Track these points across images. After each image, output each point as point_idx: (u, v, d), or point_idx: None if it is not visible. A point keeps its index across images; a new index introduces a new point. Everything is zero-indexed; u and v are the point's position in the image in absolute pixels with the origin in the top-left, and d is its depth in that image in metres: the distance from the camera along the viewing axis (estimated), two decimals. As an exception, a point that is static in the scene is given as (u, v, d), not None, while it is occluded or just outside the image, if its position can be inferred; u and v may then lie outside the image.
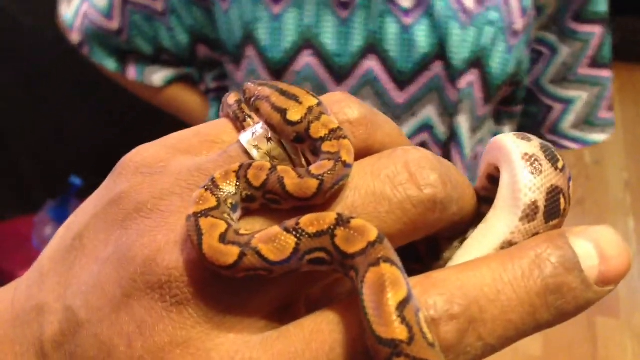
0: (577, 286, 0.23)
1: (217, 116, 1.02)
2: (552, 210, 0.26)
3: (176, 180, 0.26)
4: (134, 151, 0.29)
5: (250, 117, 0.29)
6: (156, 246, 0.24)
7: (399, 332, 0.20)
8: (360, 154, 0.27)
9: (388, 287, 0.21)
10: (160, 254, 0.24)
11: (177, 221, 0.25)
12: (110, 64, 1.04)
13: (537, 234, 0.26)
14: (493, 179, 0.29)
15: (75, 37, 1.00)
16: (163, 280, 0.24)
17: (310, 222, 0.23)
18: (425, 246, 0.28)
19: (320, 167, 0.25)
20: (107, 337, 0.24)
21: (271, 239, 0.23)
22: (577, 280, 0.23)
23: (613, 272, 0.23)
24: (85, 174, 1.96)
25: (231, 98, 0.31)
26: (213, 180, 0.25)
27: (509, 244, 0.26)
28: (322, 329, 0.23)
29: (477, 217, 0.28)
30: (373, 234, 0.22)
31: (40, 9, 1.85)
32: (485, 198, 0.29)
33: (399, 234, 0.25)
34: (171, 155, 0.28)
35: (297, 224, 0.23)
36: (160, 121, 2.37)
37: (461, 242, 0.28)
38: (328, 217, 0.23)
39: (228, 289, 0.24)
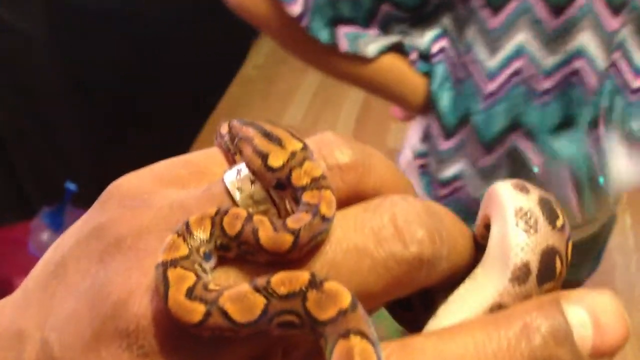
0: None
1: (442, 88, 1.00)
2: (546, 273, 0.24)
3: (155, 217, 0.25)
4: (121, 179, 0.28)
5: (241, 150, 0.27)
6: (128, 288, 0.23)
7: None
8: (350, 201, 0.25)
9: None
10: (131, 298, 0.23)
11: (151, 264, 0.24)
12: (324, 36, 0.99)
13: (529, 297, 0.24)
14: (489, 229, 0.26)
15: (295, 10, 0.96)
16: (131, 328, 0.23)
17: (281, 281, 0.22)
18: (418, 295, 0.27)
19: (298, 220, 0.23)
20: None
21: (239, 298, 0.21)
22: (568, 354, 0.21)
23: (608, 345, 0.21)
24: (80, 180, 1.95)
25: (224, 128, 0.29)
26: (187, 225, 0.24)
27: (497, 307, 0.24)
28: None
29: (474, 265, 0.27)
30: (346, 300, 0.21)
31: (34, 14, 1.85)
32: (482, 246, 0.27)
33: (382, 292, 0.24)
34: (157, 186, 0.27)
35: (268, 282, 0.22)
36: (153, 127, 2.37)
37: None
38: (301, 278, 0.21)
39: (195, 344, 0.23)
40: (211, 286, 0.23)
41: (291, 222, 0.23)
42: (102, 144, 2.15)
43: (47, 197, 1.96)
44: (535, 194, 0.25)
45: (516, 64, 0.95)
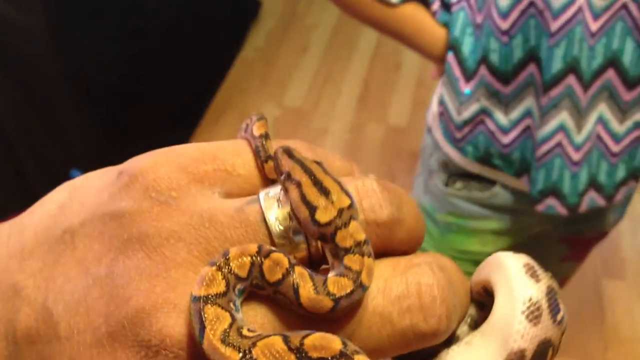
0: None
1: (464, 34, 1.09)
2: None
3: (186, 225, 0.25)
4: (146, 163, 0.27)
5: (272, 157, 0.28)
6: (153, 300, 0.24)
7: None
8: (377, 253, 0.26)
9: None
10: (156, 313, 0.23)
11: (178, 277, 0.24)
12: None
13: None
14: (488, 292, 0.28)
15: None
16: (153, 342, 0.23)
17: (314, 346, 0.22)
18: None
19: (339, 286, 0.24)
20: None
21: (272, 354, 0.22)
22: None
23: None
24: (85, 167, 1.96)
25: (257, 129, 0.29)
26: (227, 260, 0.24)
27: None
28: None
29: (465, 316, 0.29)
30: None
31: (32, 6, 1.85)
32: (477, 301, 0.29)
33: (392, 352, 0.25)
34: (184, 182, 0.27)
35: (302, 344, 0.22)
36: (154, 113, 2.37)
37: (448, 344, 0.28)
38: (333, 346, 0.22)
39: None
40: (245, 332, 0.23)
41: (332, 286, 0.24)
42: (104, 131, 2.15)
43: (51, 187, 1.97)
44: (544, 282, 0.27)
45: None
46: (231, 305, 0.24)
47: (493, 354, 0.26)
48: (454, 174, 1.20)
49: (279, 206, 0.26)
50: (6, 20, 1.78)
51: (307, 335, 0.23)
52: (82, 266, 0.25)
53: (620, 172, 1.08)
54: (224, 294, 0.23)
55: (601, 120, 1.03)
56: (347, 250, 0.25)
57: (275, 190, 0.27)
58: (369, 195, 0.27)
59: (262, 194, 0.27)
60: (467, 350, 0.27)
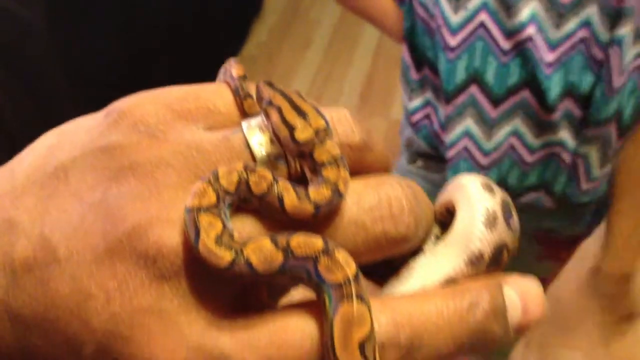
0: (499, 333, 0.27)
1: (414, 33, 1.13)
2: (495, 261, 0.30)
3: (174, 152, 0.27)
4: (133, 101, 0.29)
5: (250, 96, 0.30)
6: (148, 217, 0.25)
7: None
8: (350, 173, 0.29)
9: (356, 324, 0.24)
10: (152, 227, 0.25)
11: (170, 198, 0.26)
12: None
13: (476, 276, 0.29)
14: (449, 212, 0.32)
15: None
16: (150, 253, 0.25)
17: (299, 244, 0.25)
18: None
19: (319, 193, 0.27)
20: (85, 284, 0.25)
21: (262, 252, 0.25)
22: (501, 328, 0.27)
23: (528, 324, 0.28)
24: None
25: (235, 71, 0.31)
26: (216, 176, 0.26)
27: (451, 280, 0.29)
28: (285, 331, 0.25)
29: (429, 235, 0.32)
30: (352, 270, 0.25)
31: (34, 2, 1.86)
32: (440, 221, 0.32)
33: (366, 257, 0.28)
34: (170, 118, 0.28)
35: (288, 243, 0.25)
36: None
37: (413, 256, 0.31)
38: (316, 244, 0.25)
39: (210, 278, 0.26)
40: (236, 236, 0.26)
41: (313, 194, 0.27)
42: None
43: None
44: (499, 196, 0.30)
45: (479, 18, 1.03)
46: (222, 215, 0.26)
47: (456, 257, 0.29)
48: (416, 152, 1.25)
49: (261, 132, 0.28)
50: (7, 14, 1.78)
51: (292, 236, 0.25)
52: (76, 197, 0.26)
53: (532, 178, 1.12)
54: (215, 205, 0.26)
55: (516, 134, 1.07)
56: (324, 164, 0.28)
57: (257, 120, 0.29)
58: (342, 122, 0.30)
59: (244, 124, 0.29)
60: (433, 257, 0.30)
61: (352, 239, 0.27)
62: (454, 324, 0.26)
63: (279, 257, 0.25)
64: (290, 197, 0.27)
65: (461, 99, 1.06)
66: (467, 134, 1.08)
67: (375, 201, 0.28)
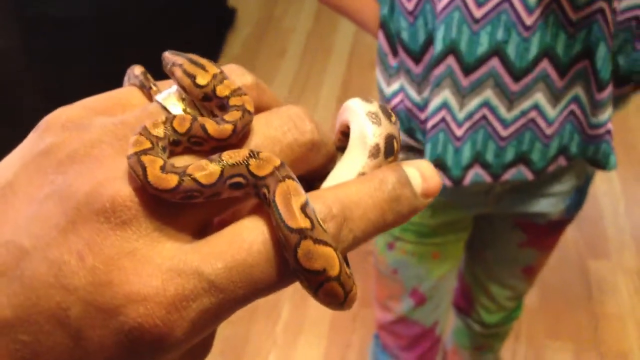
0: (409, 196, 0.32)
1: (392, 17, 1.17)
2: (389, 150, 0.35)
3: (103, 131, 0.30)
4: (55, 112, 0.32)
5: (155, 86, 0.34)
6: (96, 181, 0.28)
7: (304, 222, 0.28)
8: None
9: (292, 195, 0.29)
10: (102, 186, 0.28)
11: (111, 164, 0.29)
12: None
13: (380, 166, 0.35)
14: (345, 134, 0.37)
15: None
16: (107, 205, 0.27)
17: (229, 155, 0.30)
18: (304, 185, 0.36)
19: (232, 115, 0.31)
20: (56, 255, 0.27)
21: (202, 168, 0.29)
22: (410, 192, 0.32)
23: (431, 188, 0.33)
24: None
25: (136, 70, 0.36)
26: (145, 128, 0.30)
27: (362, 175, 0.34)
28: (239, 233, 0.29)
29: (334, 161, 0.37)
30: (277, 161, 0.30)
31: (6, 27, 1.86)
32: (340, 147, 0.38)
33: (290, 165, 0.32)
34: (92, 114, 0.31)
35: (220, 157, 0.29)
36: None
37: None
38: (243, 152, 0.30)
39: (165, 209, 0.29)
40: (177, 164, 0.30)
41: (228, 117, 0.31)
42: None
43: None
44: (376, 103, 0.36)
45: None
46: (160, 154, 0.29)
47: (360, 156, 0.35)
48: None
49: (172, 96, 0.33)
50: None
51: (222, 154, 0.30)
52: (28, 198, 0.28)
53: (509, 155, 1.13)
54: (152, 148, 0.29)
55: (487, 105, 1.09)
56: (228, 96, 0.32)
57: (168, 91, 0.33)
58: (234, 70, 0.35)
59: (156, 97, 0.33)
60: (342, 163, 0.35)
61: (272, 151, 0.32)
62: (373, 196, 0.31)
63: (217, 169, 0.29)
64: (210, 124, 0.31)
65: (439, 70, 1.08)
66: (445, 105, 1.10)
67: (280, 120, 0.33)
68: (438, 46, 1.06)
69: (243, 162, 0.30)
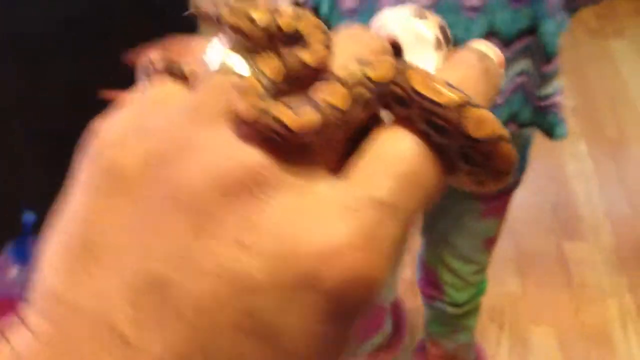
0: (494, 67, 0.31)
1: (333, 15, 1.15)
2: (447, 38, 0.35)
3: (185, 116, 0.27)
4: (106, 138, 0.28)
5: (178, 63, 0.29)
6: (210, 165, 0.25)
7: (457, 95, 0.27)
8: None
9: (428, 78, 0.28)
10: (218, 166, 0.24)
11: (213, 145, 0.25)
12: None
13: (447, 57, 0.34)
14: (394, 46, 0.36)
15: None
16: (241, 178, 0.24)
17: (346, 73, 0.27)
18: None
19: (314, 43, 0.28)
20: (212, 261, 0.23)
21: (334, 91, 0.27)
22: (493, 63, 0.31)
23: (501, 57, 0.32)
24: (38, 208, 1.93)
25: (156, 58, 0.30)
26: (242, 89, 0.26)
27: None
28: (384, 148, 0.27)
29: None
30: (389, 58, 0.29)
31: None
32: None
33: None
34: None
35: (339, 78, 0.27)
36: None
37: None
38: (354, 66, 0.28)
39: (297, 155, 0.26)
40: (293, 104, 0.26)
41: (310, 47, 0.28)
42: (54, 164, 2.12)
43: (6, 232, 1.93)
44: (405, 5, 0.37)
45: None
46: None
47: (425, 55, 0.35)
48: None
49: (228, 53, 0.29)
50: None
51: (334, 74, 0.28)
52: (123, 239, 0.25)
53: (502, 115, 1.18)
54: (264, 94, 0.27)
55: None
56: (291, 26, 0.29)
57: (211, 52, 0.29)
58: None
59: (207, 63, 0.29)
60: (417, 64, 0.32)
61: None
62: (469, 75, 0.30)
63: (344, 91, 0.27)
64: (304, 54, 0.28)
65: None
66: None
67: (350, 41, 0.30)
68: None
69: (361, 73, 0.27)
